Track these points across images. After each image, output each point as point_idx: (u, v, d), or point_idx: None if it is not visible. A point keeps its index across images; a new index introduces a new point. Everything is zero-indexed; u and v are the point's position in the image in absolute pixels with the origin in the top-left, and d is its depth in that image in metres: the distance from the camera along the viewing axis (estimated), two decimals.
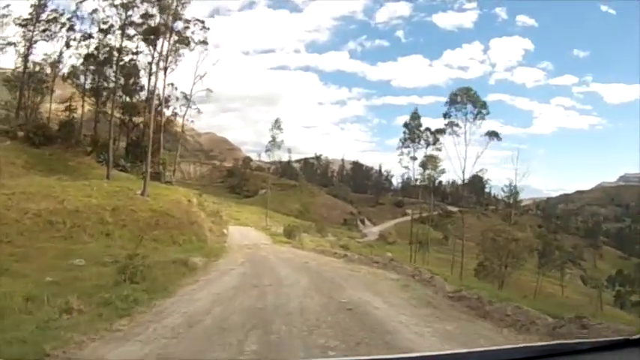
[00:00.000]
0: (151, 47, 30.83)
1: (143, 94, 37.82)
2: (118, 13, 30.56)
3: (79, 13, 34.99)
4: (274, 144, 48.83)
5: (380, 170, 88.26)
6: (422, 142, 43.28)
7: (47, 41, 34.82)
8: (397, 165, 48.34)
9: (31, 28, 33.83)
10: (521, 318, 6.17)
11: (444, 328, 5.49)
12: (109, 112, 32.94)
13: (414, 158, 43.78)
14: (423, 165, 43.82)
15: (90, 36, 34.24)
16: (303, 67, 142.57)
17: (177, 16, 31.82)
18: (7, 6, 32.66)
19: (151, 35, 30.05)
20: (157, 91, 34.37)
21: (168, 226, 21.27)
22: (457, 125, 38.87)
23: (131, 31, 31.21)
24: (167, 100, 39.01)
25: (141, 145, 33.48)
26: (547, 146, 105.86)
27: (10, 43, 33.32)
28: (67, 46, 34.97)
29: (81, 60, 35.25)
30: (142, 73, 36.41)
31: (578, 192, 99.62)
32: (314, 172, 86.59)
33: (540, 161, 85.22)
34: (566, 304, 27.42)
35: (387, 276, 11.06)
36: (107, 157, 29.19)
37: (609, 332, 4.81)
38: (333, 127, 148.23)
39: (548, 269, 42.95)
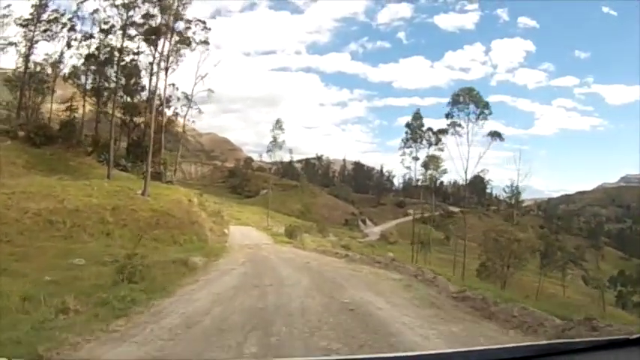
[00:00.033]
0: (152, 47, 30.83)
1: (144, 95, 37.82)
2: (119, 14, 30.51)
3: (79, 13, 34.97)
4: (275, 144, 48.79)
5: (381, 171, 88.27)
6: (424, 142, 43.13)
7: (48, 41, 34.83)
8: (399, 165, 48.26)
9: (32, 28, 33.76)
10: (528, 319, 6.02)
11: (449, 329, 5.34)
12: (110, 112, 32.88)
13: (416, 158, 43.68)
14: (425, 165, 43.70)
15: (91, 36, 34.22)
16: (304, 68, 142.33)
17: (178, 17, 31.76)
18: (8, 6, 32.67)
19: (152, 35, 29.99)
20: (158, 92, 34.44)
21: (169, 226, 21.19)
22: (459, 125, 38.80)
23: (132, 32, 31.18)
24: (168, 100, 38.92)
25: (142, 145, 33.40)
26: (548, 147, 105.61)
27: (11, 43, 33.32)
28: (68, 46, 34.95)
29: (82, 60, 35.25)
30: (143, 73, 36.41)
31: (580, 193, 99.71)
32: (315, 173, 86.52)
33: (542, 162, 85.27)
34: (569, 305, 27.26)
35: (389, 276, 10.91)
36: (108, 157, 29.13)
37: (621, 335, 4.66)
38: (335, 128, 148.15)
39: (549, 270, 42.85)
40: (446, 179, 62.60)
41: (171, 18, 30.51)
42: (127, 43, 31.75)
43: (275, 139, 48.05)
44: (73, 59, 35.65)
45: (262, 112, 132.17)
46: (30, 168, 26.84)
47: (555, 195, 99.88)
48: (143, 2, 30.01)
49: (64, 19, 34.68)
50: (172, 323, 5.51)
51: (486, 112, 38.27)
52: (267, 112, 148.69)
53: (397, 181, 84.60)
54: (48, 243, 16.38)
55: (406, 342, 4.73)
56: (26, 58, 34.22)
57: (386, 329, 5.25)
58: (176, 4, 30.70)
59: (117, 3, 30.05)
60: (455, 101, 38.73)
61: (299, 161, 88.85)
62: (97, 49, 33.90)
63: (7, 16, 32.61)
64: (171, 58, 33.16)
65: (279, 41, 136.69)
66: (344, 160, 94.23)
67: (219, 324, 5.49)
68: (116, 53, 32.19)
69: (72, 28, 34.85)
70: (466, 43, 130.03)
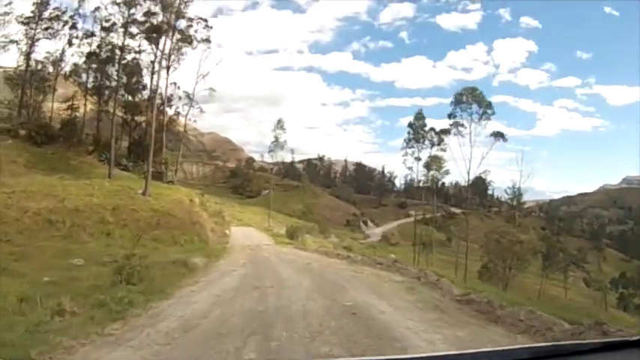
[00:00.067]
0: (153, 46, 30.76)
1: (145, 93, 37.78)
2: (120, 11, 30.55)
3: (81, 11, 35.06)
4: (277, 144, 48.62)
5: (383, 171, 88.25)
6: (426, 142, 42.87)
7: (49, 39, 34.85)
8: (400, 166, 48.00)
9: (34, 26, 33.77)
10: (536, 323, 5.85)
11: (454, 334, 5.18)
12: (111, 111, 32.82)
13: (418, 159, 43.42)
14: (427, 166, 43.41)
15: (92, 34, 34.30)
16: (306, 67, 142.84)
17: (180, 15, 31.67)
18: (10, 3, 32.64)
19: (153, 33, 29.91)
20: (159, 90, 34.35)
21: (170, 226, 21.07)
22: (462, 125, 38.53)
23: (134, 30, 31.17)
24: (170, 99, 38.85)
25: (143, 144, 33.35)
26: (550, 148, 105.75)
27: (12, 41, 33.26)
28: (70, 44, 35.00)
29: (83, 58, 35.24)
30: (144, 71, 36.37)
31: (581, 194, 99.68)
32: (317, 173, 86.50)
33: (543, 163, 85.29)
34: (570, 307, 27.11)
35: (392, 278, 10.74)
36: (109, 157, 29.07)
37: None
38: (336, 128, 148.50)
39: (551, 271, 42.68)
40: (447, 180, 62.46)
41: (173, 16, 30.40)
42: (129, 41, 31.79)
43: (277, 138, 47.96)
44: (74, 57, 35.81)
45: (264, 112, 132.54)
46: (31, 167, 26.80)
47: (557, 196, 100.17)
48: (144, 0, 29.99)
49: (65, 17, 34.78)
50: (170, 327, 5.36)
51: (489, 112, 38.11)
52: (269, 111, 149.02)
53: (399, 182, 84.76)
54: (47, 243, 16.25)
55: (411, 347, 4.58)
56: (27, 56, 34.24)
57: (390, 334, 5.09)
58: (178, 2, 30.63)
59: (118, 1, 30.15)
60: (458, 101, 38.52)
61: (301, 161, 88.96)
62: (99, 47, 33.94)
63: (8, 13, 32.67)
64: (172, 57, 33.09)
65: (282, 40, 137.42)
66: (346, 160, 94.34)
67: (218, 328, 5.34)
68: (117, 51, 32.18)
69: (73, 26, 34.97)
70: (468, 43, 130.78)
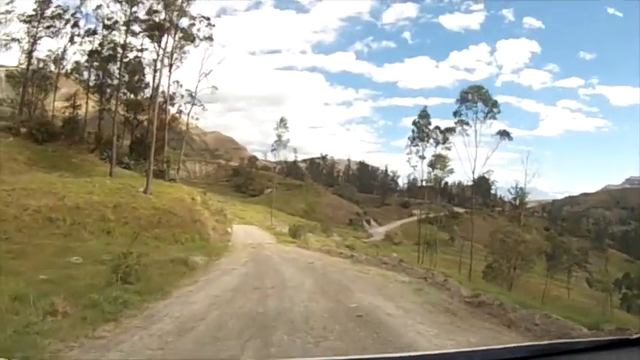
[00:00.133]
0: (155, 44, 30.61)
1: (148, 92, 37.51)
2: (122, 9, 30.32)
3: (83, 9, 34.89)
4: (280, 143, 48.29)
5: (386, 171, 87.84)
6: (431, 140, 42.43)
7: (51, 38, 34.75)
8: (403, 165, 47.65)
9: (35, 24, 33.60)
10: (552, 328, 5.53)
11: (467, 340, 4.84)
12: (113, 109, 32.63)
13: (422, 157, 42.97)
14: (432, 164, 42.98)
15: (94, 32, 34.12)
16: (309, 67, 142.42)
17: (182, 13, 31.44)
18: (11, 1, 32.46)
19: (155, 31, 29.69)
20: (161, 89, 34.05)
21: (171, 224, 20.88)
22: (467, 124, 38.03)
23: (136, 28, 31.01)
24: (172, 97, 38.62)
25: (145, 142, 33.12)
26: (553, 148, 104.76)
27: (14, 40, 33.12)
28: (71, 42, 34.79)
29: (85, 57, 35.06)
30: (146, 70, 36.14)
31: (584, 194, 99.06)
32: (320, 172, 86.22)
33: (546, 163, 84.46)
34: (583, 309, 26.76)
35: (398, 278, 10.42)
36: (110, 155, 28.87)
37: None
38: (339, 128, 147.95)
39: (555, 272, 42.32)
40: (450, 180, 62.09)
41: (175, 14, 30.17)
42: (131, 40, 31.62)
43: (279, 137, 47.60)
44: (76, 55, 35.65)
45: (267, 111, 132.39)
46: (32, 165, 26.66)
47: (559, 197, 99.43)
48: None
49: (67, 15, 34.62)
50: (164, 329, 5.04)
51: (495, 110, 37.52)
52: (272, 111, 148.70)
53: (402, 182, 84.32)
54: (47, 241, 16.05)
55: None
56: (29, 54, 34.09)
57: (399, 339, 4.76)
58: (180, 0, 30.39)
59: None
60: (463, 99, 37.95)
61: (303, 161, 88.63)
62: (101, 45, 33.76)
63: (10, 12, 32.50)
64: (175, 55, 33.05)
65: (285, 40, 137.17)
66: (348, 159, 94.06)
67: (215, 331, 5.01)
68: (119, 49, 31.94)
69: (75, 24, 34.84)
70: (471, 44, 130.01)
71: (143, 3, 29.93)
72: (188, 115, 40.54)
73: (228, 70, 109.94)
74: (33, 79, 34.99)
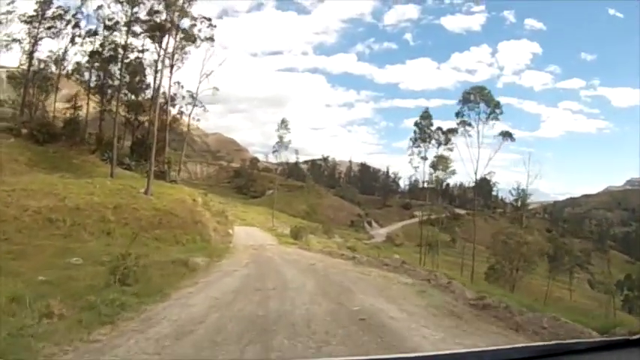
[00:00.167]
0: (156, 45, 30.55)
1: (149, 93, 37.42)
2: (123, 10, 30.25)
3: (84, 9, 34.82)
4: (281, 144, 48.21)
5: (387, 172, 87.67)
6: (433, 141, 42.22)
7: (52, 38, 34.63)
8: (405, 167, 47.49)
9: (36, 24, 33.51)
10: (561, 331, 5.37)
11: (474, 344, 4.68)
12: (114, 110, 32.56)
13: (424, 158, 42.75)
14: (434, 165, 42.76)
15: (95, 33, 34.03)
16: (310, 69, 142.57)
17: (183, 14, 31.38)
18: (12, 2, 32.41)
19: (156, 32, 29.63)
20: (162, 90, 33.98)
21: (172, 226, 20.75)
22: (469, 125, 37.81)
23: (137, 28, 30.94)
24: (173, 98, 38.53)
25: (146, 143, 33.03)
26: (554, 150, 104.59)
27: (15, 40, 33.06)
28: (72, 42, 34.72)
29: (86, 57, 34.99)
30: (147, 71, 36.05)
31: (585, 196, 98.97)
32: (321, 174, 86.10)
33: (548, 165, 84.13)
34: (580, 309, 26.56)
35: (400, 280, 10.26)
36: (111, 156, 28.78)
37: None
38: (341, 129, 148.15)
39: (557, 273, 42.12)
40: (452, 181, 61.94)
41: (177, 14, 30.10)
42: (132, 40, 31.55)
43: (281, 138, 47.51)
44: (77, 56, 35.57)
45: (269, 113, 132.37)
46: (32, 165, 26.57)
47: (561, 198, 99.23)
48: None
49: (68, 16, 34.52)
50: (161, 333, 4.90)
51: (497, 111, 37.31)
52: (274, 112, 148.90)
53: (403, 183, 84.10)
54: (47, 241, 15.95)
55: None
56: (30, 55, 34.01)
57: (403, 344, 4.61)
58: (181, 0, 30.32)
59: None
60: (465, 99, 37.73)
61: (305, 162, 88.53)
62: (102, 45, 33.67)
63: (11, 12, 32.45)
64: (176, 56, 32.95)
65: (286, 42, 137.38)
66: (350, 161, 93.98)
67: (214, 335, 4.86)
68: (120, 50, 31.85)
69: (76, 25, 34.78)
70: (473, 45, 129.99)
71: (144, 3, 29.93)
72: (189, 116, 40.48)
73: (230, 72, 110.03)
74: (34, 80, 34.91)
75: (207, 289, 8.23)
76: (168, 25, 29.76)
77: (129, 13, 30.12)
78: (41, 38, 34.12)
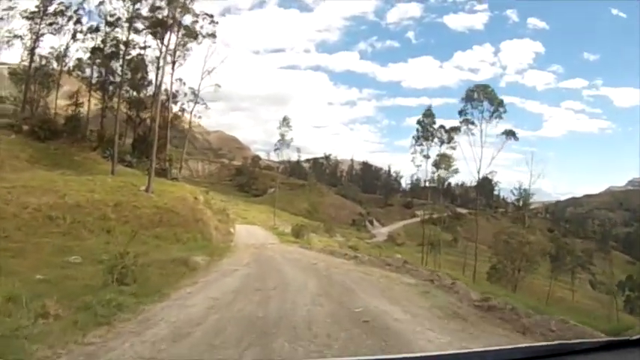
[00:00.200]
0: (158, 41, 30.41)
1: (150, 89, 37.38)
2: (125, 6, 30.19)
3: (85, 5, 34.73)
4: (283, 142, 48.11)
5: (389, 171, 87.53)
6: (435, 140, 41.97)
7: (54, 35, 34.57)
8: (406, 166, 47.26)
9: (38, 21, 33.40)
10: (570, 335, 5.20)
11: (483, 348, 4.52)
12: (116, 107, 32.47)
13: (427, 157, 42.52)
14: (436, 164, 42.51)
15: (97, 29, 33.93)
16: (313, 66, 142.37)
17: (185, 10, 31.21)
18: None
19: (158, 28, 29.47)
20: (164, 86, 33.93)
21: (172, 224, 20.63)
22: (472, 123, 37.51)
23: (139, 25, 30.82)
24: (175, 95, 38.48)
25: (147, 140, 32.92)
26: (557, 149, 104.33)
27: (16, 37, 33.01)
28: (74, 39, 34.62)
29: (87, 54, 34.91)
30: (149, 67, 36.02)
31: (587, 196, 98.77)
32: (323, 172, 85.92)
33: (550, 164, 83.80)
34: (580, 310, 26.42)
35: (403, 280, 10.11)
36: (112, 153, 28.68)
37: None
38: (343, 128, 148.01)
39: (559, 273, 41.96)
40: (453, 181, 61.76)
41: (178, 11, 29.95)
42: (133, 37, 31.52)
43: (283, 136, 47.41)
44: (78, 53, 35.52)
45: (271, 111, 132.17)
46: (33, 162, 26.48)
47: (563, 198, 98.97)
48: None
49: (69, 12, 34.40)
50: (158, 335, 4.74)
51: (501, 109, 36.99)
52: (276, 110, 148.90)
53: (405, 182, 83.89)
54: (46, 239, 15.84)
55: None
56: (32, 51, 33.95)
57: (409, 347, 4.44)
58: None
59: None
60: (469, 97, 37.39)
61: (307, 160, 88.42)
62: (103, 42, 33.54)
63: (12, 8, 32.33)
64: (178, 52, 32.81)
65: (288, 39, 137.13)
66: (352, 159, 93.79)
67: (212, 338, 4.70)
68: (122, 47, 31.79)
69: (78, 21, 34.69)
70: (475, 44, 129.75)
71: (146, 0, 29.82)
72: (191, 113, 40.42)
73: (232, 70, 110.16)
74: (35, 76, 34.88)
75: (207, 289, 8.08)
76: (170, 21, 29.59)
77: (130, 10, 30.18)
78: (43, 34, 34.14)
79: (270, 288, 8.23)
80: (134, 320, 5.47)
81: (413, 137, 43.20)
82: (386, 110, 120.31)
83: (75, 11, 34.54)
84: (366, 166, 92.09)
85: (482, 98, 36.73)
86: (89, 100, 36.81)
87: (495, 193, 76.16)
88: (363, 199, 74.57)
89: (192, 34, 33.47)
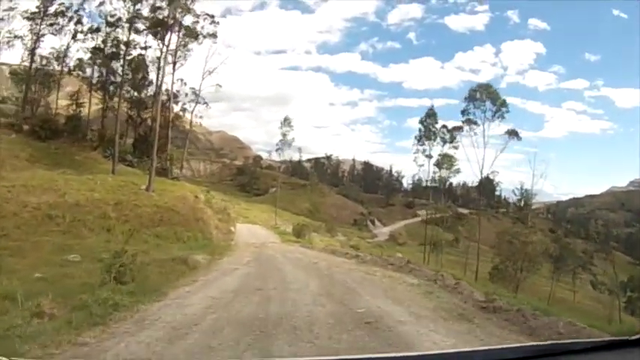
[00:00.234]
0: (159, 41, 30.31)
1: (151, 90, 37.25)
2: (125, 6, 30.12)
3: (86, 6, 34.57)
4: (284, 142, 47.91)
5: (390, 171, 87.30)
6: (438, 139, 41.82)
7: (54, 35, 34.36)
8: (408, 166, 47.12)
9: (39, 21, 33.22)
10: (578, 338, 5.03)
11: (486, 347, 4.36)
12: (117, 106, 32.38)
13: (429, 156, 42.35)
14: (438, 164, 42.33)
15: (97, 29, 33.73)
16: (314, 67, 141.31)
17: (186, 10, 31.13)
18: None
19: (158, 28, 29.36)
20: (165, 86, 33.85)
21: (173, 223, 20.50)
22: (475, 123, 37.32)
23: (139, 25, 30.71)
24: (176, 95, 38.40)
25: (148, 140, 32.79)
26: (558, 150, 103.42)
27: (17, 37, 32.84)
28: (74, 39, 34.48)
29: (88, 54, 34.76)
30: (150, 67, 35.85)
31: (589, 196, 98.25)
32: (324, 172, 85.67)
33: (551, 165, 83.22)
34: (583, 311, 26.25)
35: (405, 280, 9.94)
36: (113, 152, 28.58)
37: None
38: (344, 128, 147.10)
39: (560, 274, 41.71)
40: (455, 181, 61.62)
41: (179, 11, 29.85)
42: (134, 37, 31.39)
43: (284, 136, 47.23)
44: (79, 53, 35.32)
45: (272, 111, 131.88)
46: (34, 162, 26.38)
47: (564, 198, 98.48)
48: None
49: (70, 13, 34.22)
50: (154, 336, 4.60)
51: (503, 109, 36.76)
52: (277, 111, 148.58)
53: (406, 182, 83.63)
54: (45, 238, 15.76)
55: None
56: (32, 51, 33.76)
57: (413, 350, 4.29)
58: None
59: None
60: (471, 97, 37.15)
61: (308, 160, 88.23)
62: (104, 42, 33.33)
63: (13, 9, 32.18)
64: (178, 53, 32.74)
65: (290, 40, 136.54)
66: (353, 159, 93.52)
67: (209, 339, 4.55)
68: (123, 47, 31.67)
69: (78, 22, 34.46)
70: (476, 45, 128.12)
71: (147, 0, 29.72)
72: (192, 113, 40.32)
73: (234, 70, 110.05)
74: (36, 76, 34.75)
75: (206, 289, 7.94)
76: (171, 21, 29.48)
77: (131, 10, 30.07)
78: (43, 35, 33.88)
79: (271, 288, 8.09)
80: (130, 320, 5.34)
81: (415, 137, 43.10)
82: (387, 111, 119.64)
83: (75, 12, 34.38)
84: (367, 166, 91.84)
85: (484, 98, 36.49)
86: (90, 100, 36.69)
87: (497, 193, 76.07)
88: (364, 199, 74.28)
89: (192, 34, 33.37)
